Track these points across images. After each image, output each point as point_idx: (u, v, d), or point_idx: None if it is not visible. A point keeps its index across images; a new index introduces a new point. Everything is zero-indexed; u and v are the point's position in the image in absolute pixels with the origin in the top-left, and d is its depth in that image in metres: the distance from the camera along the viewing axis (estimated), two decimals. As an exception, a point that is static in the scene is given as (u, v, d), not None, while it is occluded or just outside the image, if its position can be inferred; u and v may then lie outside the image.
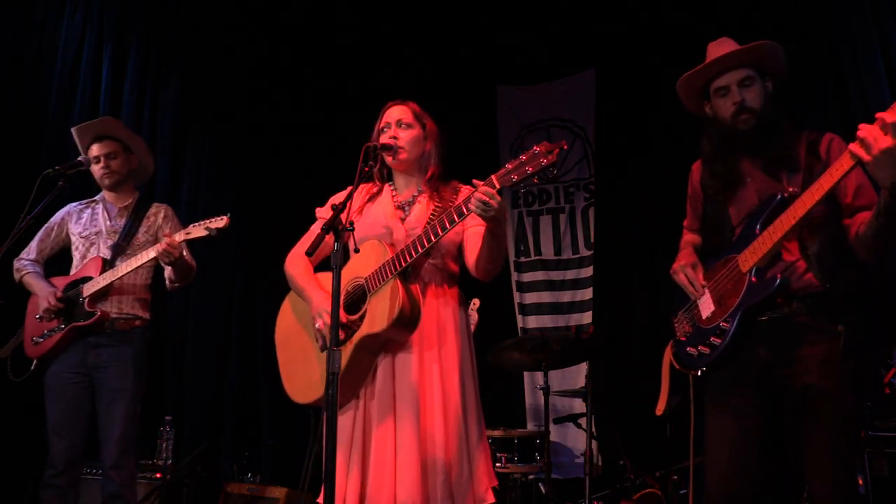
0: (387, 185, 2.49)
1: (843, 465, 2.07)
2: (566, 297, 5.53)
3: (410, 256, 2.17)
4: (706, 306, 2.22)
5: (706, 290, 2.24)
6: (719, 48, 2.33)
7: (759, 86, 2.28)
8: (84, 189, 3.44)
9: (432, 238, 2.15)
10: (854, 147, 1.90)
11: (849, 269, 2.17)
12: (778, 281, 2.06)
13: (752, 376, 2.15)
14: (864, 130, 1.88)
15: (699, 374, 2.21)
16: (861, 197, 2.13)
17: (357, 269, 2.31)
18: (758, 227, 2.15)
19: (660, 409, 2.35)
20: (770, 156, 2.23)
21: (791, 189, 2.16)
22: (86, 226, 3.25)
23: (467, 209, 2.08)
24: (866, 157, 1.87)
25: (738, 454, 2.14)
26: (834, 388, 2.06)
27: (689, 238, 2.54)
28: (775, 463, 2.22)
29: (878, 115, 1.87)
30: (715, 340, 2.15)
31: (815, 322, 2.10)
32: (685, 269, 2.30)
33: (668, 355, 2.36)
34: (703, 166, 2.38)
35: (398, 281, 2.18)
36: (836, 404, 2.06)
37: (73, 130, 3.34)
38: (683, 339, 2.29)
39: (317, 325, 2.29)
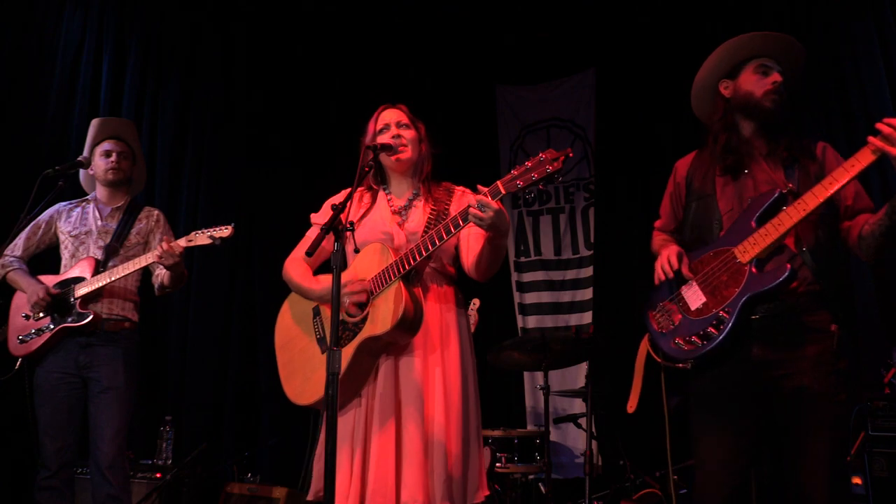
0: (381, 191, 2.50)
1: (839, 466, 2.07)
2: (566, 297, 5.54)
3: (414, 260, 2.18)
4: (695, 298, 2.20)
5: (693, 283, 2.22)
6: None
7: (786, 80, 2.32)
8: (83, 189, 3.43)
9: (437, 242, 2.16)
10: (876, 141, 1.94)
11: (839, 269, 2.19)
12: (788, 270, 2.05)
13: (743, 377, 2.14)
14: (886, 126, 1.92)
15: (689, 366, 2.18)
16: (860, 201, 2.19)
17: (360, 272, 2.31)
18: (753, 220, 2.15)
19: (631, 406, 2.32)
20: (782, 145, 2.24)
21: (790, 185, 2.17)
22: (75, 225, 3.22)
23: (464, 220, 2.09)
24: (891, 150, 1.91)
25: (731, 458, 2.13)
26: (828, 388, 2.06)
27: (662, 237, 2.53)
28: (769, 463, 2.22)
29: None
30: (712, 330, 2.12)
31: (811, 321, 2.11)
32: (671, 257, 2.26)
33: (643, 349, 2.33)
34: (717, 141, 2.35)
35: (402, 283, 2.19)
36: (831, 405, 2.06)
37: (94, 121, 3.33)
38: (664, 331, 2.26)
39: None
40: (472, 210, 2.03)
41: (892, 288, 3.84)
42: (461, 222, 2.11)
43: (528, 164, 1.99)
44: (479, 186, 2.06)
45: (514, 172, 2.02)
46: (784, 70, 2.30)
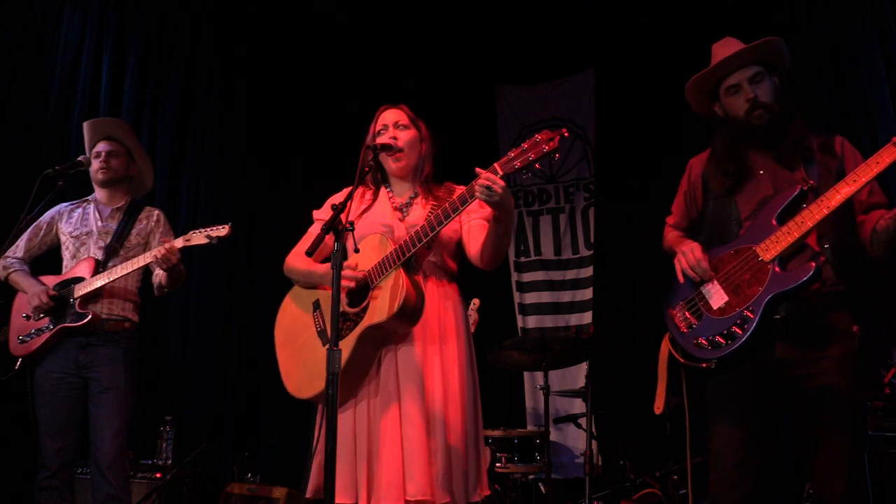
0: (383, 189, 2.50)
1: (856, 464, 2.10)
2: (566, 297, 5.54)
3: (413, 246, 2.17)
4: (717, 297, 2.18)
5: (714, 282, 2.21)
6: (725, 48, 2.34)
7: (769, 82, 2.30)
8: (83, 189, 3.43)
9: (435, 226, 2.15)
10: None
11: (863, 267, 2.18)
12: (812, 269, 2.05)
13: (764, 377, 2.14)
14: None
15: (713, 365, 2.16)
16: (875, 195, 2.19)
17: (360, 263, 2.30)
18: (774, 218, 2.14)
19: (658, 406, 2.30)
20: (786, 148, 2.23)
21: (811, 182, 2.16)
22: (76, 225, 3.23)
23: (471, 196, 2.09)
24: None
25: (746, 457, 2.13)
26: (850, 388, 2.08)
27: (677, 234, 2.51)
28: (777, 463, 2.22)
29: None
30: (736, 330, 2.11)
31: (834, 322, 2.12)
32: (694, 251, 2.24)
33: (665, 349, 2.32)
34: (714, 164, 2.36)
35: (401, 271, 2.18)
36: (852, 405, 2.09)
37: (85, 124, 3.33)
38: (686, 330, 2.24)
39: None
40: (480, 181, 2.02)
41: (893, 287, 3.83)
42: (459, 206, 2.11)
43: (525, 145, 2.00)
44: (478, 169, 2.06)
45: (511, 154, 2.03)
46: (763, 68, 2.29)
